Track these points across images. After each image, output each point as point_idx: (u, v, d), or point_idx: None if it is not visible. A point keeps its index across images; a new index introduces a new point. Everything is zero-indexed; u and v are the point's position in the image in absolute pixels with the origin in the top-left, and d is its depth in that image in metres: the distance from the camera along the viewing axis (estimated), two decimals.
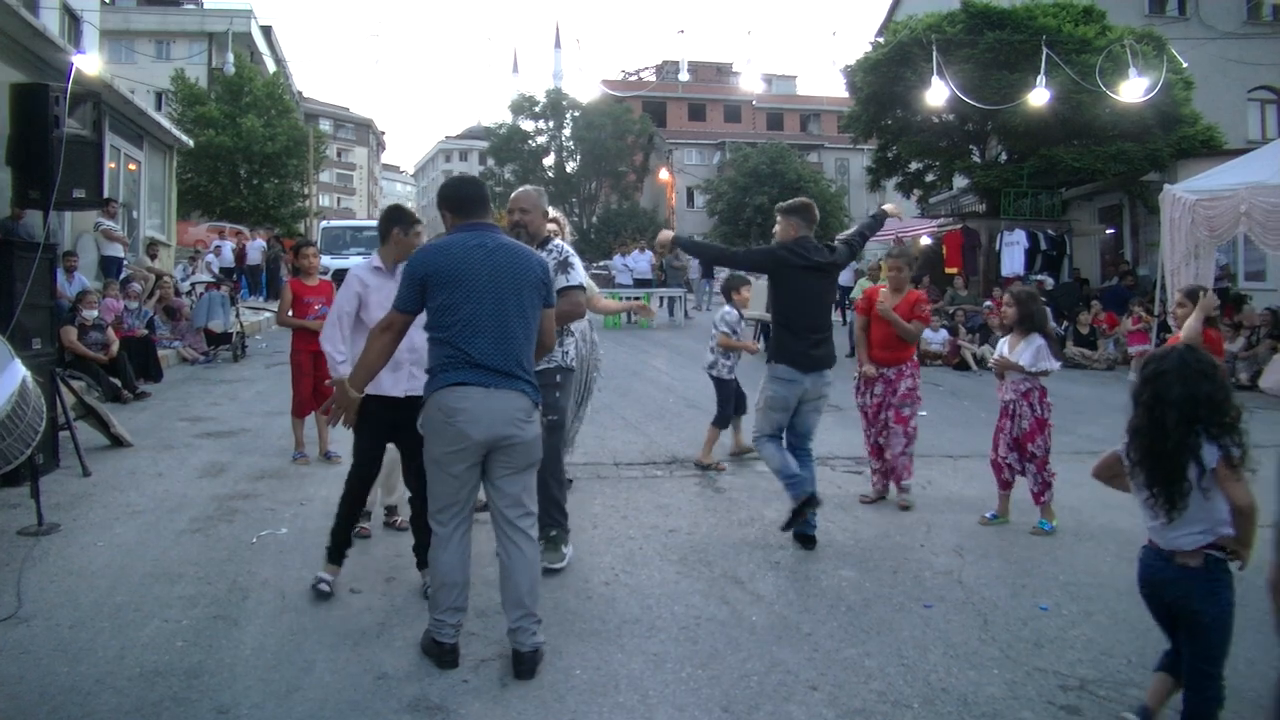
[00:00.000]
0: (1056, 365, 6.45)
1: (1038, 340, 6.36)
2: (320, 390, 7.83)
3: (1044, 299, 17.32)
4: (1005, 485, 6.54)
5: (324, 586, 4.86)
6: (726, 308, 8.50)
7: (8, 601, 4.66)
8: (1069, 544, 5.99)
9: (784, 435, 6.06)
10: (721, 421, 8.35)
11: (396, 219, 5.27)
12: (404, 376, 4.93)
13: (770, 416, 6.01)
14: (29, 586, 4.85)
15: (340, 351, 5.03)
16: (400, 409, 4.80)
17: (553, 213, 7.27)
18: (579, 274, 5.18)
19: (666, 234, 6.39)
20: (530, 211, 5.13)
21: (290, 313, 7.94)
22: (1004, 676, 4.06)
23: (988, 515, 6.53)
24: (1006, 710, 3.76)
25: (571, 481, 6.97)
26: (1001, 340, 6.73)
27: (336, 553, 4.96)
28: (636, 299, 22.34)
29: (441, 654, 4.04)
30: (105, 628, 4.40)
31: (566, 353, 5.31)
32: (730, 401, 8.37)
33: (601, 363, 7.22)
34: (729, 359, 8.36)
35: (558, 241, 5.27)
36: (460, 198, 4.25)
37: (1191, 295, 5.94)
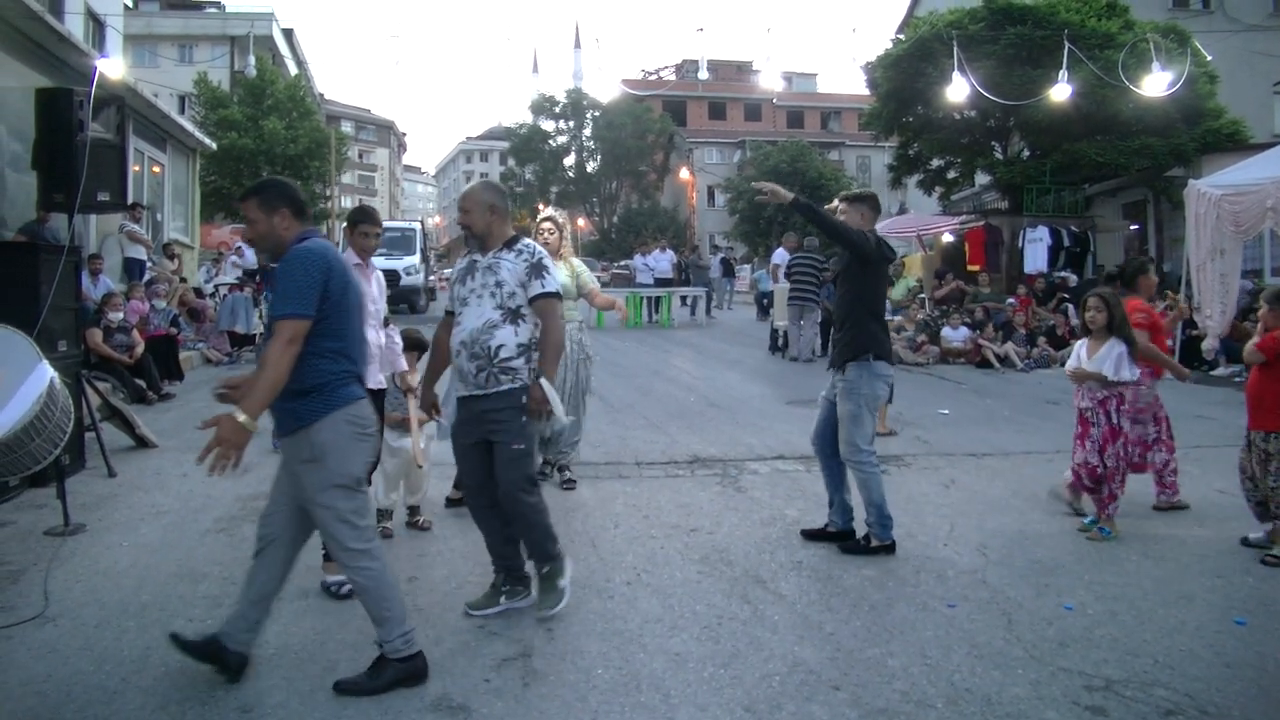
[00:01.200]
0: (1137, 374, 6.21)
1: (1119, 347, 6.08)
2: None
3: (1067, 296, 17.26)
4: (1090, 491, 6.28)
5: (343, 589, 4.82)
6: None
7: (35, 601, 4.70)
8: (1094, 543, 5.93)
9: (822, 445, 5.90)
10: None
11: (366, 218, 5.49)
12: (375, 369, 5.20)
13: (873, 419, 5.70)
14: (56, 586, 4.89)
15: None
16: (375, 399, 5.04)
17: (547, 211, 7.32)
18: (554, 279, 4.61)
19: (777, 189, 5.52)
20: (471, 211, 4.63)
21: None
22: (1028, 676, 4.03)
23: (1086, 521, 6.25)
24: (1031, 710, 3.73)
25: (575, 484, 7.09)
26: (1079, 344, 6.45)
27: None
28: (656, 299, 22.44)
29: (418, 668, 3.86)
30: (130, 627, 4.44)
31: (533, 368, 4.58)
32: None
33: (593, 361, 7.38)
34: None
35: (528, 241, 4.69)
36: (301, 200, 3.96)
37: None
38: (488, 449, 4.53)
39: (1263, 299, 5.92)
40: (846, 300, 5.79)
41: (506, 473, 4.45)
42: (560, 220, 7.17)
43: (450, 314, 4.76)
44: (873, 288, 5.79)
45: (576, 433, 7.30)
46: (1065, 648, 4.33)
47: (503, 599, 4.64)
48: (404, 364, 5.73)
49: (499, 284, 4.51)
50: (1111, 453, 6.09)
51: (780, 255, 20.18)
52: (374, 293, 5.38)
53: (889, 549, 5.62)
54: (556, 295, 4.57)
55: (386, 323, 5.63)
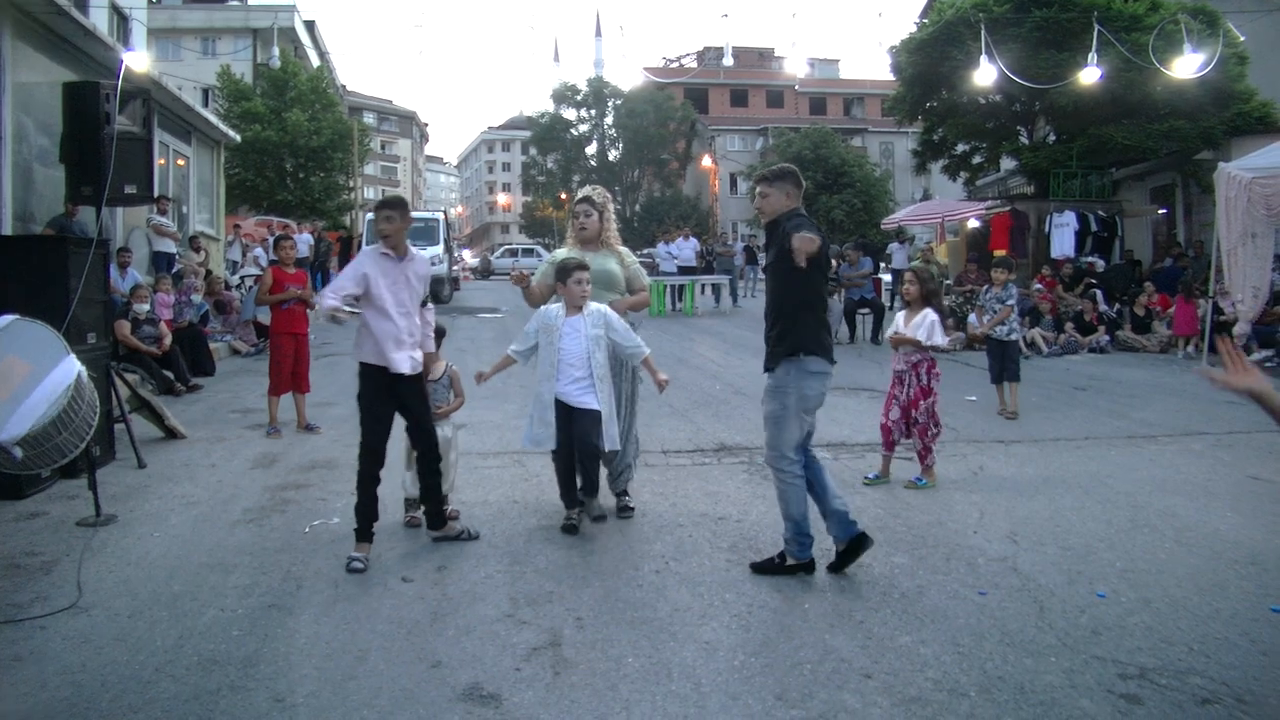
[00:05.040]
0: (946, 340, 7.05)
1: (931, 315, 6.90)
2: (299, 371, 8.74)
3: (1094, 281, 17.09)
4: (889, 447, 7.07)
5: (356, 564, 5.08)
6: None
7: (69, 591, 4.74)
8: (1126, 530, 5.88)
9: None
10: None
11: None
12: (406, 356, 5.34)
13: (801, 423, 5.06)
14: (89, 577, 4.93)
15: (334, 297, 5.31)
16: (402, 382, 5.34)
17: (584, 190, 6.48)
18: None
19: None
20: None
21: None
22: (1061, 665, 3.99)
23: (870, 476, 7.01)
24: (1065, 699, 3.70)
25: (632, 510, 6.22)
26: (898, 314, 7.27)
27: (362, 531, 5.25)
28: (679, 287, 22.40)
29: None
30: (163, 617, 4.46)
31: None
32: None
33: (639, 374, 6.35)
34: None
35: None
36: None
37: None
38: None
39: None
40: (779, 294, 5.16)
41: None
42: (599, 199, 6.32)
43: None
44: (814, 279, 5.09)
45: (631, 451, 6.33)
46: (1098, 636, 4.29)
47: None
48: (431, 345, 5.74)
49: None
50: (924, 409, 6.92)
51: None
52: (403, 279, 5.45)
53: (807, 568, 5.06)
54: None
55: (424, 304, 5.65)
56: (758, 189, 5.23)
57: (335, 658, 4.04)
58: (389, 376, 5.29)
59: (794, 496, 5.04)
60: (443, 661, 4.00)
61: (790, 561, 5.07)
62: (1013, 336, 9.71)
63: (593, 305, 5.77)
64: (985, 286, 10.65)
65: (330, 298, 5.22)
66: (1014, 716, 3.58)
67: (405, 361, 5.31)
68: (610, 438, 5.70)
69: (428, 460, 5.50)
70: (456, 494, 6.27)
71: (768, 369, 5.22)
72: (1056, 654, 4.10)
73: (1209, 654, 4.10)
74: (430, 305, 5.72)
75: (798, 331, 5.05)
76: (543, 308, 5.91)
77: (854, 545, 5.06)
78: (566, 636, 4.25)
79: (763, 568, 5.10)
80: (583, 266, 5.72)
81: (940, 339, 6.92)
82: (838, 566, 5.08)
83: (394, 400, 5.38)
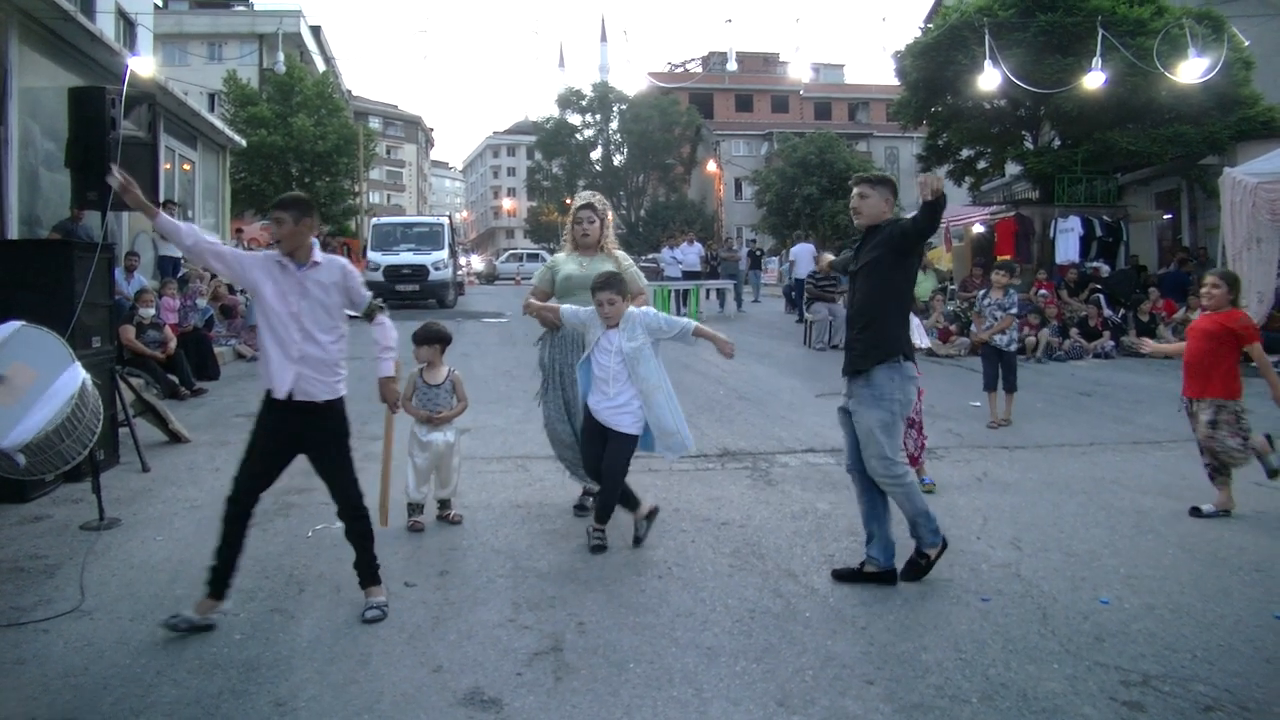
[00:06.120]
0: (929, 342, 7.18)
1: (914, 319, 6.74)
2: None
3: (1099, 287, 17.07)
4: None
5: (177, 621, 4.50)
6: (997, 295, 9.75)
7: (71, 595, 4.75)
8: (1130, 536, 5.87)
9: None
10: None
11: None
12: (291, 375, 4.44)
13: (901, 429, 5.07)
14: (91, 580, 4.94)
15: (172, 224, 4.60)
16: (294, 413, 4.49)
17: (584, 196, 6.41)
18: None
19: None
20: None
21: None
22: (1064, 671, 3.98)
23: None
24: (1067, 706, 3.69)
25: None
26: None
27: (213, 586, 4.45)
28: (684, 292, 22.42)
29: None
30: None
31: None
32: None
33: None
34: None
35: None
36: None
37: None
38: None
39: None
40: (872, 294, 4.98)
41: None
42: (600, 206, 6.32)
43: None
44: (907, 280, 5.07)
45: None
46: (1101, 642, 4.28)
47: None
48: (389, 368, 4.77)
49: None
50: (917, 410, 6.66)
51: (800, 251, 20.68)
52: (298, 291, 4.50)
53: (943, 550, 5.04)
54: None
55: (370, 316, 4.70)
56: (856, 190, 5.07)
57: (337, 662, 4.04)
58: (285, 407, 4.45)
59: (916, 493, 5.00)
60: (444, 666, 4.00)
61: (934, 555, 5.00)
62: (1012, 347, 9.58)
63: (628, 310, 5.54)
64: (983, 290, 10.43)
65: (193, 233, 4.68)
66: None
67: (285, 383, 4.41)
68: (681, 444, 5.54)
69: (350, 523, 4.64)
70: (459, 498, 6.28)
71: (857, 370, 4.99)
72: (1059, 660, 4.09)
73: (1212, 661, 4.09)
74: (383, 320, 4.72)
75: (894, 333, 4.96)
76: (593, 311, 5.63)
77: (885, 575, 5.00)
78: (568, 641, 4.25)
79: (911, 576, 4.99)
80: (609, 285, 5.47)
81: (926, 340, 7.07)
82: (847, 577, 5.04)
83: (289, 439, 4.56)
